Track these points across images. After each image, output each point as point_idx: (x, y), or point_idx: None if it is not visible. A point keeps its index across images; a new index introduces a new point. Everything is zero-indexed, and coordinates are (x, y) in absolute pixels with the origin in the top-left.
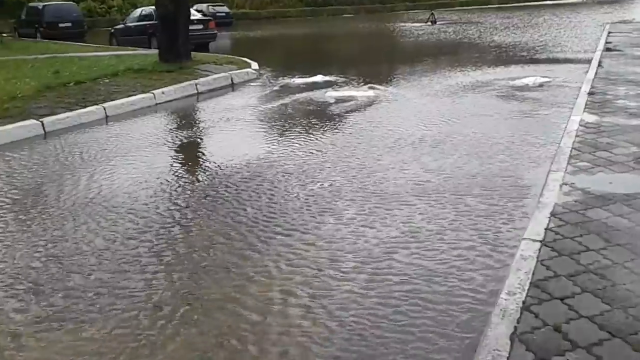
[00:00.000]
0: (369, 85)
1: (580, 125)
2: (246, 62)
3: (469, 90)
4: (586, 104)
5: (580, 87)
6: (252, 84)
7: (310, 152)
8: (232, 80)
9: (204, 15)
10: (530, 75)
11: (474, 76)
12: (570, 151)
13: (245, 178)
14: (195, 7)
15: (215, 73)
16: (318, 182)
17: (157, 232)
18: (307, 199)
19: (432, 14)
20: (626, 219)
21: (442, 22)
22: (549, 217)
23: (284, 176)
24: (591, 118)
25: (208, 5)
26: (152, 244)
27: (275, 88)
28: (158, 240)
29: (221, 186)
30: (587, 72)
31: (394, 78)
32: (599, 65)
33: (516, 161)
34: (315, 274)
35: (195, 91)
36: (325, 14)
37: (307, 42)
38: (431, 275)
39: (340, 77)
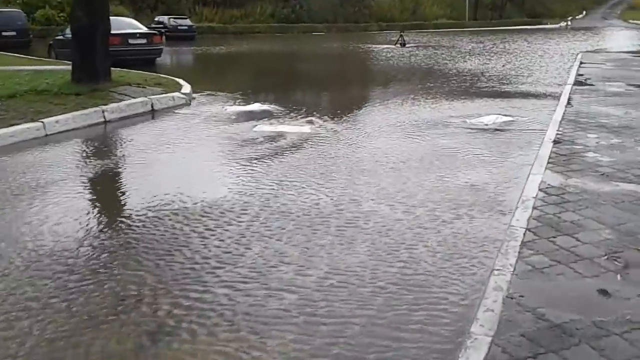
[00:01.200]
0: (309, 118)
1: (541, 190)
2: (178, 84)
3: (414, 132)
4: (550, 158)
5: (546, 132)
6: (176, 111)
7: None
8: (152, 107)
9: (164, 27)
10: (491, 113)
11: (428, 111)
12: (524, 235)
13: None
14: (156, 19)
15: (134, 97)
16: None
17: None
18: None
19: (401, 35)
20: None
21: (412, 45)
22: None
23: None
24: (555, 179)
25: (169, 18)
26: None
27: (199, 118)
28: None
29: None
30: (554, 110)
31: (339, 110)
32: (568, 103)
33: (446, 264)
34: None
35: (102, 119)
36: (296, 31)
37: (263, 61)
38: None
39: (281, 107)
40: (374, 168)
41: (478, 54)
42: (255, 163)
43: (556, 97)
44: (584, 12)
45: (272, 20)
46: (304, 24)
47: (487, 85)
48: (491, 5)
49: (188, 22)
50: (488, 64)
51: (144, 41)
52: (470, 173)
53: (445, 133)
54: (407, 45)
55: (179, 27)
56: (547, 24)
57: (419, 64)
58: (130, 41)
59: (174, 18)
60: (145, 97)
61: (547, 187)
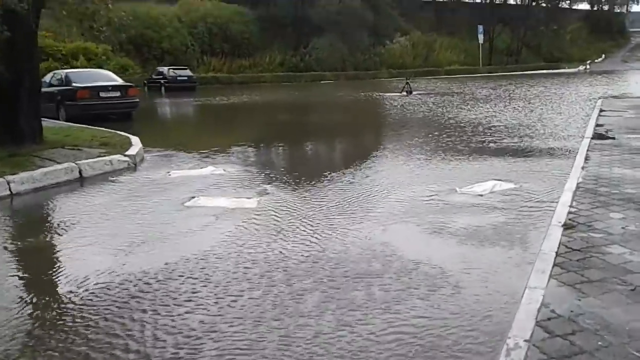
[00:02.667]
0: (264, 187)
1: (540, 324)
2: (130, 143)
3: (387, 217)
4: (558, 256)
5: (555, 208)
6: (113, 177)
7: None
8: (80, 173)
9: (164, 78)
10: (489, 178)
11: (411, 178)
12: None
13: None
14: (157, 69)
15: (59, 163)
16: None
17: None
18: None
19: (407, 83)
20: None
21: (420, 92)
22: None
23: None
24: (562, 301)
25: (169, 69)
26: None
27: (130, 188)
28: None
29: None
30: (568, 174)
31: (302, 176)
32: (586, 163)
33: None
34: None
35: (7, 192)
36: (303, 79)
37: (255, 113)
38: None
39: (241, 169)
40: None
41: (489, 101)
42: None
43: (571, 154)
44: (603, 56)
45: (282, 69)
46: (311, 73)
47: (493, 139)
48: (507, 51)
49: (188, 72)
50: (499, 112)
51: (117, 94)
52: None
53: (414, 216)
54: (413, 93)
55: (178, 78)
56: (565, 68)
57: (419, 115)
58: (102, 94)
59: (174, 69)
60: (73, 162)
61: (549, 319)
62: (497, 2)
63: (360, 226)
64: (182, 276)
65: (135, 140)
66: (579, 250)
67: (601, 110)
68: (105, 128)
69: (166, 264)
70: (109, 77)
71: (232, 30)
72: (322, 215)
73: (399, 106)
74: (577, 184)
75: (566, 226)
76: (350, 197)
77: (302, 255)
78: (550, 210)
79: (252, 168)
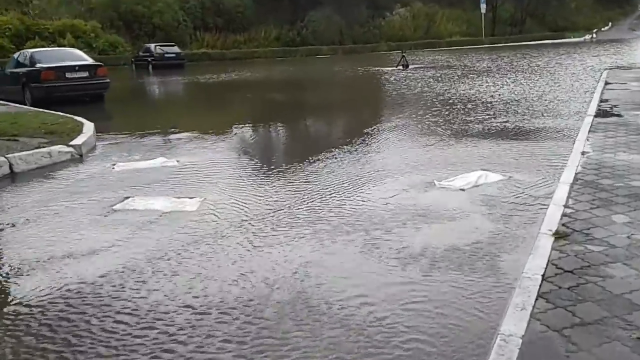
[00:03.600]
0: (215, 181)
1: None
2: (79, 131)
3: (329, 232)
4: (543, 283)
5: (546, 210)
6: (51, 171)
7: None
8: (11, 168)
9: (151, 56)
10: (477, 167)
11: (388, 171)
12: None
13: None
14: (145, 46)
15: None
16: None
17: None
18: None
19: (403, 56)
20: None
21: (417, 66)
22: None
23: None
24: (546, 355)
25: (156, 45)
26: None
27: (68, 182)
28: None
29: None
30: (566, 162)
31: (263, 168)
32: (586, 146)
33: None
34: None
35: None
36: (299, 54)
37: (236, 92)
38: None
39: (195, 160)
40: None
41: (489, 74)
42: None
43: (572, 136)
44: (610, 24)
45: (278, 43)
46: (308, 47)
47: (486, 117)
48: (510, 21)
49: (176, 49)
50: (496, 86)
51: (84, 74)
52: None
53: (366, 229)
54: (410, 67)
55: (166, 55)
56: (570, 37)
57: (412, 91)
58: (68, 75)
59: (161, 45)
60: (4, 155)
61: None
62: None
63: (291, 246)
64: (61, 315)
65: (88, 126)
66: (571, 272)
67: (606, 83)
68: (69, 112)
69: (49, 294)
70: (77, 57)
71: (226, 4)
72: (262, 225)
73: (392, 81)
74: (575, 174)
75: (558, 235)
76: (303, 198)
77: (218, 292)
78: (542, 211)
79: (215, 156)
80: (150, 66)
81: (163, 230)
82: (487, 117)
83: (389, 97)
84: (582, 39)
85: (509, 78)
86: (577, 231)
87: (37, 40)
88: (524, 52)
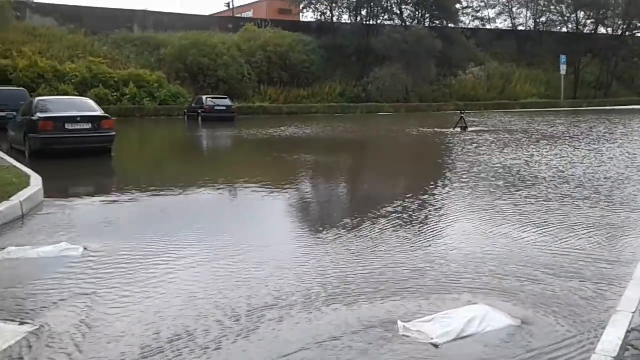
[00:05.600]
0: (92, 289)
1: None
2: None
3: None
4: None
5: None
6: None
7: None
8: None
9: (201, 108)
10: (472, 299)
11: (338, 296)
12: None
13: None
14: (197, 97)
15: None
16: None
17: None
18: None
19: (462, 117)
20: None
21: (476, 129)
22: None
23: None
24: None
25: (207, 97)
26: None
27: None
28: None
29: None
30: (613, 306)
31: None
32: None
33: None
34: None
35: None
36: (358, 110)
37: (268, 148)
38: None
39: (110, 244)
40: None
41: (553, 141)
42: None
43: (631, 262)
44: None
45: (341, 99)
46: (367, 104)
47: (508, 203)
48: (595, 83)
49: (227, 101)
50: (550, 157)
51: (87, 126)
52: None
53: None
54: (468, 129)
55: (215, 108)
56: None
57: (452, 159)
58: (68, 126)
59: (212, 97)
60: None
61: None
62: (585, 32)
63: None
64: None
65: (32, 188)
66: None
67: None
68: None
69: None
70: (83, 106)
71: (292, 59)
72: None
73: (443, 144)
74: (627, 333)
75: None
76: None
77: None
78: None
79: (131, 244)
80: (199, 118)
81: None
82: (512, 200)
83: (423, 167)
84: None
85: (575, 147)
86: None
87: (101, 88)
88: (605, 117)
